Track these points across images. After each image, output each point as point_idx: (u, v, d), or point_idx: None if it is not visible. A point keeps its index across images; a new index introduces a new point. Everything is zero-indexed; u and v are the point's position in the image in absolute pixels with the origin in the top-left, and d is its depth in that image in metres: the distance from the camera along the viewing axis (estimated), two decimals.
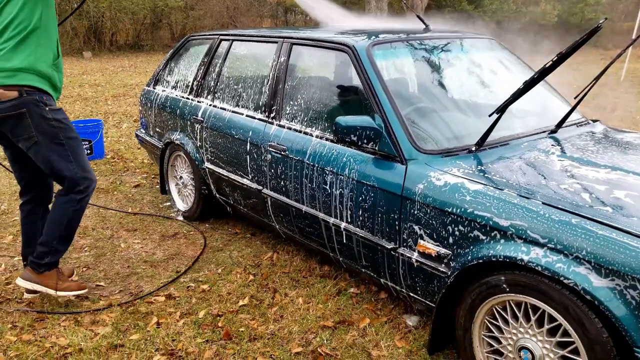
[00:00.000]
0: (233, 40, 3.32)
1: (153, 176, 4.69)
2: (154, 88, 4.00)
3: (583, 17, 16.29)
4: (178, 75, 3.78)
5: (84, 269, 3.00)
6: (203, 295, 2.70)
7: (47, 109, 2.37)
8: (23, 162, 2.55)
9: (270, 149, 2.75)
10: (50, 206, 2.65)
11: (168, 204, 3.98)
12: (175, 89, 3.75)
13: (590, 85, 2.43)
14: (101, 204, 4.00)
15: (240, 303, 2.60)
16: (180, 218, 3.73)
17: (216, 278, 2.87)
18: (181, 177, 3.73)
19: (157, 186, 4.38)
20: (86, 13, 15.27)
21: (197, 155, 3.41)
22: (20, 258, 3.10)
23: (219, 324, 2.43)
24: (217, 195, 3.42)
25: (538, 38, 15.72)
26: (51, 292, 2.55)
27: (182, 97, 3.61)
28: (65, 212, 2.47)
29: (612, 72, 10.96)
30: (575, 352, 1.69)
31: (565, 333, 1.70)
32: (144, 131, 4.20)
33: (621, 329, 1.55)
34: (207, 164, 3.35)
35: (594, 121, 2.78)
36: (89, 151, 5.11)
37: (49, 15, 2.37)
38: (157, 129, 3.91)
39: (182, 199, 3.81)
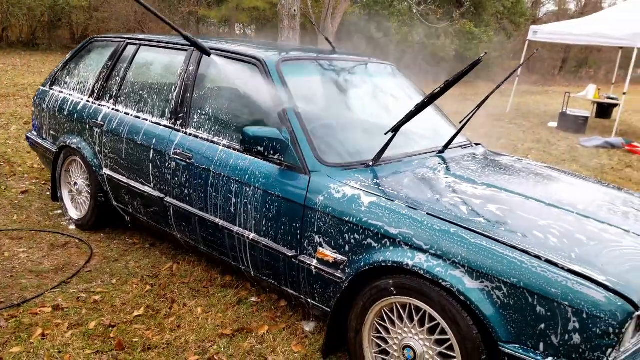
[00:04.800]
0: (140, 45, 3.25)
1: (44, 182, 4.38)
2: (51, 89, 3.78)
3: (477, 52, 17.87)
4: (78, 77, 3.61)
5: None
6: (95, 305, 2.58)
7: None
8: None
9: (175, 156, 2.73)
10: None
11: (59, 212, 3.75)
12: (74, 91, 3.57)
13: (473, 113, 2.73)
14: None
15: (135, 313, 2.52)
16: (73, 227, 3.53)
17: (110, 289, 2.76)
18: (76, 184, 3.55)
19: (48, 193, 4.10)
20: None
21: (95, 160, 3.27)
22: None
23: (111, 335, 2.34)
24: (115, 204, 3.30)
25: (438, 69, 17.01)
26: None
27: (82, 99, 3.45)
28: None
29: (499, 105, 12.14)
30: (451, 348, 1.87)
31: (443, 331, 1.88)
32: (36, 133, 3.94)
33: (488, 326, 1.76)
34: (105, 170, 3.22)
35: (477, 144, 3.11)
36: None
37: None
38: (52, 132, 3.68)
39: (75, 207, 3.61)
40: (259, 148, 2.29)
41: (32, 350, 2.19)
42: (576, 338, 1.63)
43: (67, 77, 3.71)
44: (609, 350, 1.62)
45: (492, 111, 11.15)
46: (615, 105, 10.69)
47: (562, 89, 12.93)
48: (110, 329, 2.39)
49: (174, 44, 3.05)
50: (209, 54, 2.60)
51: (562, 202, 2.26)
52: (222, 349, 2.29)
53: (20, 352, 2.18)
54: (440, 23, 15.57)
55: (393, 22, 16.01)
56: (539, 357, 1.68)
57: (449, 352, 1.88)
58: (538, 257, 1.74)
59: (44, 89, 3.84)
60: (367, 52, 15.83)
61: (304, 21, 10.98)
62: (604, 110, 11.33)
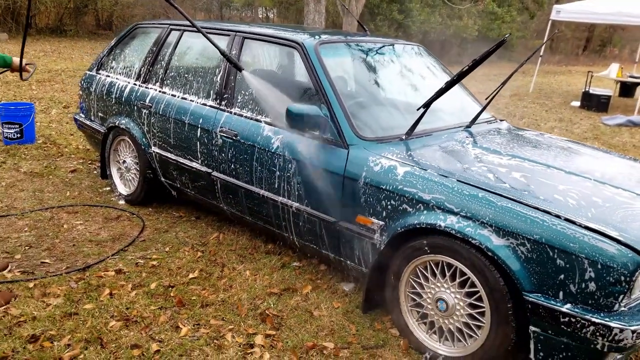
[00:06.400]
0: (184, 30, 3.49)
1: (90, 162, 4.70)
2: (97, 73, 4.05)
3: (500, 32, 17.70)
4: (124, 61, 3.87)
5: (26, 247, 3.04)
6: (153, 270, 2.87)
7: None
8: None
9: (222, 134, 2.97)
10: None
11: (108, 188, 4.04)
12: (121, 75, 3.84)
13: (498, 89, 2.91)
14: (36, 187, 3.99)
15: (191, 276, 2.80)
16: (122, 202, 3.82)
17: (164, 255, 3.04)
18: (124, 162, 3.83)
19: (95, 171, 4.41)
20: None
21: (144, 139, 3.54)
22: None
23: (171, 294, 2.63)
24: (163, 179, 3.57)
25: (460, 49, 16.90)
26: None
27: (129, 83, 3.71)
28: None
29: (522, 85, 12.14)
30: (480, 299, 2.09)
31: (472, 285, 2.10)
32: (83, 115, 4.23)
33: (514, 278, 1.97)
34: (154, 149, 3.49)
35: (501, 120, 3.28)
36: (19, 135, 5.00)
37: None
38: (100, 114, 3.96)
39: (124, 184, 3.90)
40: (301, 124, 2.51)
41: (102, 307, 2.49)
42: (592, 286, 1.84)
43: (113, 62, 3.98)
44: (621, 296, 1.83)
45: (515, 91, 11.17)
46: (639, 84, 10.61)
47: (586, 69, 12.80)
48: (170, 289, 2.67)
49: (216, 29, 3.27)
50: (240, 70, 2.73)
51: (580, 170, 2.45)
52: (272, 305, 2.56)
53: (92, 308, 2.47)
54: (463, 3, 15.46)
55: (415, 3, 15.95)
56: (559, 304, 1.89)
57: (477, 303, 2.10)
58: (558, 217, 1.94)
59: (91, 73, 4.12)
60: (389, 33, 15.87)
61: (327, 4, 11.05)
62: (627, 89, 11.26)
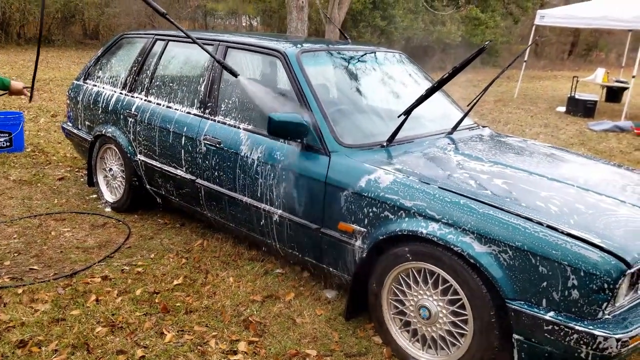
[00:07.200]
0: (169, 40, 3.49)
1: (77, 170, 4.67)
2: (85, 82, 4.04)
3: (483, 38, 17.80)
4: (110, 71, 3.87)
5: (15, 254, 3.04)
6: (138, 276, 2.86)
7: None
8: None
9: (205, 141, 2.97)
10: None
11: (95, 196, 4.03)
12: (107, 84, 3.83)
13: (479, 96, 2.93)
14: (25, 195, 3.97)
15: (175, 282, 2.80)
16: (108, 209, 3.80)
17: (149, 262, 3.04)
18: (111, 170, 3.81)
19: (82, 179, 4.39)
20: None
21: (130, 148, 3.53)
22: None
23: (156, 300, 2.62)
24: (148, 187, 3.56)
25: (444, 55, 17.02)
26: None
27: (115, 92, 3.71)
28: None
29: (506, 91, 12.25)
30: (463, 307, 2.10)
31: (455, 292, 2.11)
32: (71, 124, 4.21)
33: (496, 285, 1.97)
34: (139, 157, 3.48)
35: (484, 127, 3.31)
36: (8, 143, 4.98)
37: None
38: (87, 122, 3.95)
39: (110, 191, 3.89)
40: (283, 132, 2.51)
41: (89, 313, 2.49)
42: (575, 294, 1.84)
43: (100, 71, 3.97)
44: (605, 304, 1.82)
45: (500, 97, 11.27)
46: (625, 88, 10.73)
47: (571, 74, 12.93)
48: (155, 295, 2.67)
49: (200, 39, 3.27)
50: (236, 75, 2.72)
51: (563, 177, 2.47)
52: (255, 312, 2.56)
53: (79, 314, 2.47)
54: (446, 10, 15.58)
55: (398, 10, 16.06)
56: (542, 312, 1.88)
57: (460, 310, 2.11)
58: (540, 223, 1.95)
59: (78, 82, 4.10)
60: (372, 40, 15.98)
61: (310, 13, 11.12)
62: (614, 94, 11.35)
